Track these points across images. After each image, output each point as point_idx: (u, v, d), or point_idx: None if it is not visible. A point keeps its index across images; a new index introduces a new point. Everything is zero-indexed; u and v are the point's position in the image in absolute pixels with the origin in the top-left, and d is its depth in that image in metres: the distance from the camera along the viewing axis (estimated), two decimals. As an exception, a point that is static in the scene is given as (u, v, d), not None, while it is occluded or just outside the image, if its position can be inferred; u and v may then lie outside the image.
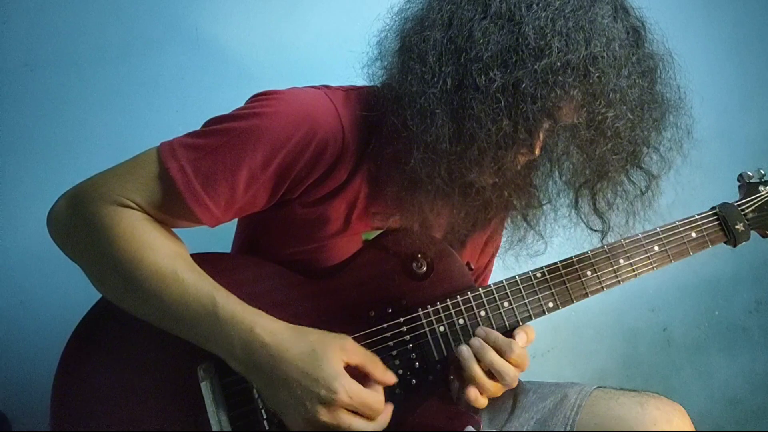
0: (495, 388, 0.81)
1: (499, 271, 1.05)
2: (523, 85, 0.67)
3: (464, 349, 0.81)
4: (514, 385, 0.81)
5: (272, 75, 1.32)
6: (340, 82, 0.87)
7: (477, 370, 0.80)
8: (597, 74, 0.68)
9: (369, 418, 0.75)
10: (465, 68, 0.69)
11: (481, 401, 0.81)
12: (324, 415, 0.71)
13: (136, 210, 0.76)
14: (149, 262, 0.73)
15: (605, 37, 0.69)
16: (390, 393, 0.79)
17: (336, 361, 0.73)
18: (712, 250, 0.96)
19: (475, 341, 0.82)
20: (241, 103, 0.81)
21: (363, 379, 0.76)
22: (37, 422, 1.12)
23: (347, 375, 0.73)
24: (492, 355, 0.80)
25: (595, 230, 0.82)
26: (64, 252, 0.79)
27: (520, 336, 0.83)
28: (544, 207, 0.84)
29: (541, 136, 0.72)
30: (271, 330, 0.74)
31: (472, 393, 0.81)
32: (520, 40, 0.68)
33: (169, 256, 0.75)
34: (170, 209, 0.76)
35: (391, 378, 0.79)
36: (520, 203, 0.82)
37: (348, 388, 0.72)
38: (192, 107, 1.25)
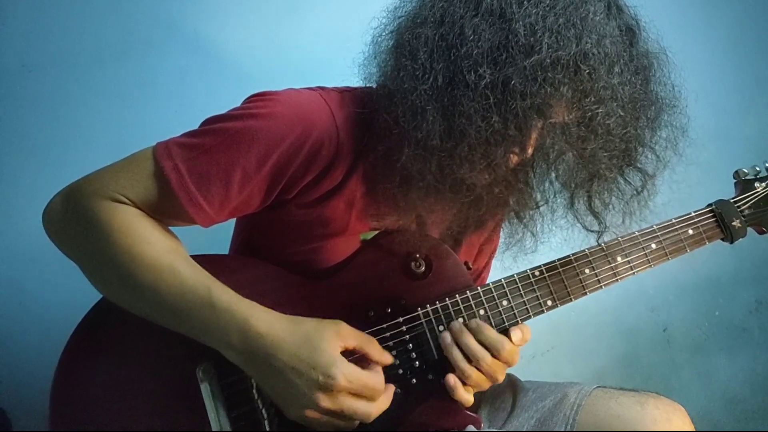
0: (476, 375, 0.80)
1: (498, 272, 1.05)
2: (513, 82, 0.67)
3: (446, 336, 0.82)
4: (496, 375, 0.81)
5: (271, 76, 1.32)
6: (338, 83, 0.87)
7: (456, 354, 0.80)
8: (587, 71, 0.68)
9: (370, 399, 0.75)
10: (455, 65, 0.69)
11: (460, 392, 0.80)
12: (324, 401, 0.72)
13: (131, 206, 0.75)
14: (145, 256, 0.73)
15: (597, 34, 0.69)
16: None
17: (332, 347, 0.73)
18: (712, 249, 0.96)
19: (455, 324, 0.82)
20: (239, 104, 0.81)
21: (362, 362, 0.77)
22: (36, 422, 1.12)
23: (344, 359, 0.73)
24: (467, 338, 0.81)
25: (592, 230, 0.82)
26: (59, 248, 0.78)
27: (515, 333, 0.83)
28: (541, 208, 0.83)
29: (533, 135, 0.72)
30: (266, 320, 0.74)
31: (451, 379, 0.80)
32: (510, 36, 0.68)
33: (165, 249, 0.75)
34: (164, 208, 0.76)
35: (388, 358, 0.80)
36: (514, 202, 0.82)
37: (346, 372, 0.72)
38: (191, 108, 1.25)
